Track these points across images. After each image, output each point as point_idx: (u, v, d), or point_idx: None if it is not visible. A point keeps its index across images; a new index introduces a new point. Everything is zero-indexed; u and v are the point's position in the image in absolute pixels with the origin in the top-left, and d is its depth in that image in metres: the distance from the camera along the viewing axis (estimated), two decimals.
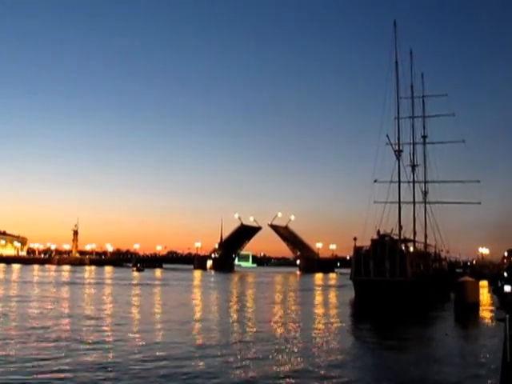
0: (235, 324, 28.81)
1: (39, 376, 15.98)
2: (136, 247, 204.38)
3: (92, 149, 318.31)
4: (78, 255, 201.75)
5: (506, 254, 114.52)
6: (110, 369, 17.03)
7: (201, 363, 18.07)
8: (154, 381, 15.86)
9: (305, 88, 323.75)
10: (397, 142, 63.19)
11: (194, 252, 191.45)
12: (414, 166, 70.08)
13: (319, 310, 41.58)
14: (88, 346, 20.74)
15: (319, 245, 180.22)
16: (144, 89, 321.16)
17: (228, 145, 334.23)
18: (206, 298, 51.67)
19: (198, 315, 33.65)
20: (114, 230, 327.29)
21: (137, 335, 23.63)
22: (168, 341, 21.98)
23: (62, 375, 16.12)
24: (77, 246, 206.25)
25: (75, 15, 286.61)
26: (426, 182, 74.84)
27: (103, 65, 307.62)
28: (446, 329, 31.11)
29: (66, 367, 17.16)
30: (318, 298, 56.24)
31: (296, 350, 21.17)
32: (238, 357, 19.08)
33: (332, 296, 60.88)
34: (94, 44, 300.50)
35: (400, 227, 61.58)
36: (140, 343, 21.64)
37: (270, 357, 19.22)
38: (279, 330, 26.78)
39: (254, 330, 26.87)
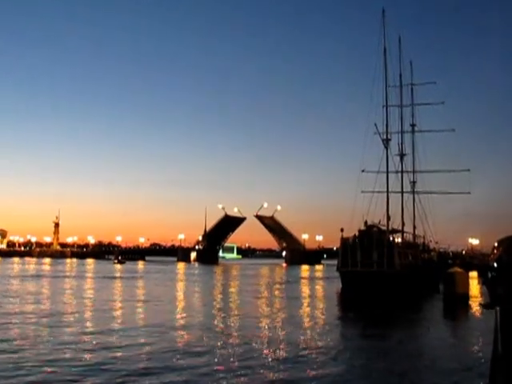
0: (217, 320, 28.30)
1: None
2: (118, 239, 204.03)
3: (73, 138, 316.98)
4: (59, 248, 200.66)
5: (496, 244, 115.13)
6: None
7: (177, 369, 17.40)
8: None
9: (291, 76, 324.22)
10: (385, 130, 63.23)
11: (177, 244, 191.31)
12: (402, 156, 69.93)
13: (305, 303, 41.38)
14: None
15: (305, 236, 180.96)
16: (125, 79, 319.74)
17: (211, 134, 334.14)
18: (187, 292, 51.21)
19: (177, 311, 33.03)
20: (96, 222, 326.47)
21: (97, 335, 22.53)
22: (139, 342, 20.94)
23: None
24: (58, 239, 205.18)
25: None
26: (414, 171, 74.88)
27: (79, 55, 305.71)
28: (432, 321, 31.03)
29: None
30: (305, 291, 56.08)
31: (282, 347, 20.74)
32: (220, 359, 18.33)
33: (318, 288, 60.87)
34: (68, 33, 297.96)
35: (388, 218, 61.71)
36: (99, 343, 20.55)
37: (255, 358, 18.60)
38: (264, 326, 26.34)
39: (238, 326, 26.40)
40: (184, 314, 30.67)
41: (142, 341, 21.12)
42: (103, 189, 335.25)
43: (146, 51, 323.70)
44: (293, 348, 20.28)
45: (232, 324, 26.86)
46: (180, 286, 60.79)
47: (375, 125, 62.10)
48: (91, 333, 22.96)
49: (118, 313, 30.30)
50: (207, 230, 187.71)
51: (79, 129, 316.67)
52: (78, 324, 25.69)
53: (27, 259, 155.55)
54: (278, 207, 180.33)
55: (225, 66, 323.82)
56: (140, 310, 33.14)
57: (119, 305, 35.76)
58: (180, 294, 48.09)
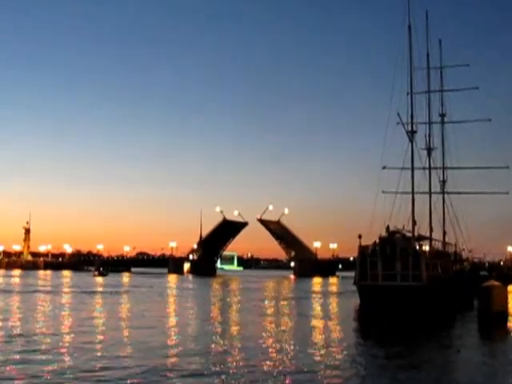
0: (215, 343, 28.42)
1: None
2: (99, 248, 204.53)
3: (46, 132, 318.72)
4: (30, 258, 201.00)
5: None
6: None
7: None
8: None
9: (302, 61, 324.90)
10: (410, 121, 63.08)
11: (168, 253, 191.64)
12: (430, 150, 69.88)
13: (317, 322, 41.45)
14: None
15: (317, 244, 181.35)
16: (109, 76, 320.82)
17: (207, 125, 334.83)
18: (180, 309, 51.37)
19: (168, 333, 33.09)
20: (73, 228, 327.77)
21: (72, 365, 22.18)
22: (122, 376, 20.22)
23: None
24: (29, 247, 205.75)
25: None
26: (444, 168, 74.96)
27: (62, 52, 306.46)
28: (464, 343, 31.11)
29: None
30: (316, 308, 56.33)
31: (291, 373, 20.90)
32: None
33: (333, 304, 61.07)
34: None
35: (413, 222, 61.53)
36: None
37: None
38: (269, 350, 26.48)
39: (239, 349, 26.50)
40: (176, 337, 30.80)
41: (127, 373, 20.54)
42: (81, 189, 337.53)
43: (141, 41, 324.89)
44: (304, 375, 20.44)
45: (233, 348, 26.95)
46: (171, 302, 60.91)
47: (398, 114, 62.00)
48: (67, 366, 22.48)
49: (97, 337, 30.33)
50: (203, 236, 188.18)
51: (52, 120, 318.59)
52: (50, 350, 25.36)
53: None
54: (286, 210, 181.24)
55: (227, 55, 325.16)
56: (124, 332, 33.24)
57: (98, 326, 35.74)
58: (171, 313, 48.20)
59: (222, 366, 21.63)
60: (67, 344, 27.01)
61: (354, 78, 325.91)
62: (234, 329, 35.58)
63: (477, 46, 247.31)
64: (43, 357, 23.15)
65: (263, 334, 32.53)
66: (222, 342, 28.82)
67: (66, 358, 22.95)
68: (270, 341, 29.24)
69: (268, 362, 22.81)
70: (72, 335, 30.42)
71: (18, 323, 35.72)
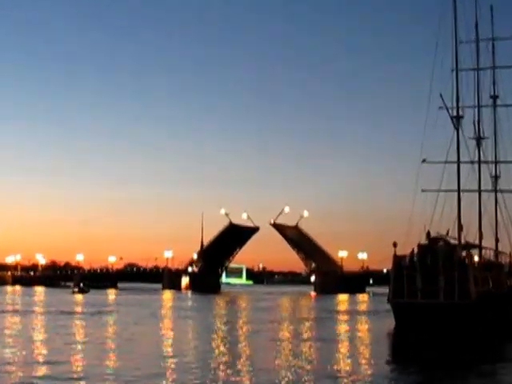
0: (220, 378, 28.13)
1: None
2: (79, 259, 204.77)
3: (17, 127, 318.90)
4: None
5: None
6: None
7: None
8: None
9: (323, 38, 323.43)
10: (455, 104, 62.99)
11: (162, 265, 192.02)
12: (479, 139, 69.48)
13: (343, 348, 41.44)
14: None
15: (343, 253, 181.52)
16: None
17: (209, 113, 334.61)
18: (177, 334, 51.16)
19: (163, 366, 32.65)
20: (47, 236, 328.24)
21: None
22: None
23: None
24: None
25: None
26: (496, 162, 74.46)
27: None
28: None
29: None
30: (342, 331, 56.36)
31: None
32: None
33: (361, 328, 61.01)
34: None
35: (460, 227, 61.50)
36: None
37: None
38: None
39: None
40: (172, 372, 30.46)
41: None
42: (58, 189, 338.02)
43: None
44: None
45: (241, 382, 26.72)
46: (166, 325, 60.79)
47: (441, 96, 62.19)
48: None
49: (73, 368, 30.09)
50: (205, 244, 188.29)
51: (26, 118, 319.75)
52: None
53: None
54: (305, 213, 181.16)
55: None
56: (107, 362, 32.99)
57: (76, 355, 35.52)
58: (165, 338, 47.99)
59: None
60: (38, 376, 26.81)
61: (386, 53, 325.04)
62: (241, 358, 35.24)
63: None
64: None
65: (276, 364, 32.24)
66: (225, 374, 28.50)
67: None
68: (284, 374, 28.91)
69: None
70: (44, 366, 30.25)
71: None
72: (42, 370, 28.76)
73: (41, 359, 33.02)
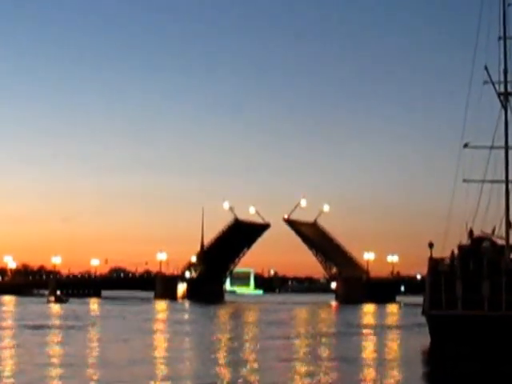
0: None
1: None
2: (56, 262, 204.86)
3: None
4: None
5: None
6: None
7: None
8: None
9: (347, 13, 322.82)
10: (503, 78, 62.90)
11: (155, 269, 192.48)
12: None
13: (368, 370, 41.45)
14: None
15: (370, 255, 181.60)
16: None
17: (211, 92, 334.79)
18: (171, 354, 51.18)
19: None
20: (18, 234, 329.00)
21: None
22: None
23: None
24: None
25: None
26: None
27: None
28: None
29: None
30: (367, 349, 56.45)
31: None
32: None
33: (391, 344, 61.14)
34: None
35: (508, 224, 61.39)
36: None
37: None
38: None
39: None
40: None
41: None
42: (32, 180, 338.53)
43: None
44: None
45: None
46: (159, 342, 60.92)
47: (486, 68, 61.96)
48: None
49: None
50: (205, 245, 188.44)
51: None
52: None
53: None
54: (326, 207, 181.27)
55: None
56: None
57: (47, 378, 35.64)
58: (159, 359, 48.05)
59: None
60: None
61: (422, 21, 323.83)
62: (250, 379, 35.26)
63: None
64: None
65: None
66: None
67: None
68: None
69: None
70: None
71: None
72: None
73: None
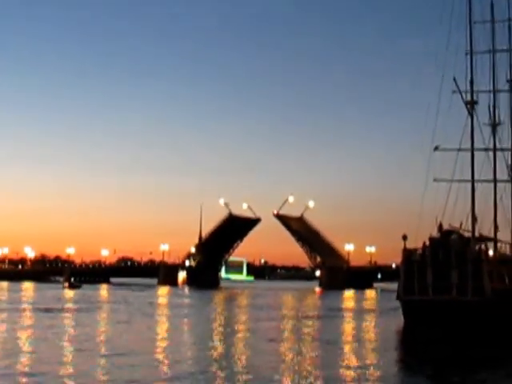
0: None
1: None
2: (70, 252, 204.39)
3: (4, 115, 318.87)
4: None
5: None
6: None
7: None
8: None
9: (330, 22, 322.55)
10: (469, 88, 62.89)
11: (158, 259, 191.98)
12: (495, 126, 69.01)
13: (348, 349, 41.29)
14: None
15: (350, 247, 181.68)
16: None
17: (209, 94, 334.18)
18: (172, 334, 50.88)
19: (156, 367, 32.31)
20: (36, 227, 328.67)
21: None
22: None
23: None
24: None
25: None
26: None
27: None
28: None
29: None
30: (348, 330, 56.59)
31: None
32: None
33: (369, 326, 61.12)
34: None
35: (474, 219, 61.46)
36: None
37: None
38: None
39: None
40: (167, 375, 30.02)
41: None
42: (47, 177, 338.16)
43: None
44: None
45: None
46: (161, 323, 60.53)
47: (454, 80, 62.23)
48: None
49: (64, 370, 29.80)
50: (203, 237, 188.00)
51: (14, 103, 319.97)
52: None
53: None
54: (311, 203, 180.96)
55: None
56: (98, 367, 32.60)
57: (63, 359, 35.21)
58: (160, 338, 47.60)
59: None
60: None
61: (395, 34, 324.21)
62: (238, 361, 34.83)
63: None
64: None
65: (274, 368, 31.65)
66: (224, 381, 28.04)
67: None
68: (283, 380, 28.43)
69: None
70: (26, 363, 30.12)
71: None
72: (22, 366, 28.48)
73: (22, 357, 32.81)
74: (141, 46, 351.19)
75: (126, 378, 27.61)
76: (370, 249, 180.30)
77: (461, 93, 62.65)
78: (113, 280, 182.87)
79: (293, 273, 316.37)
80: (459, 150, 62.74)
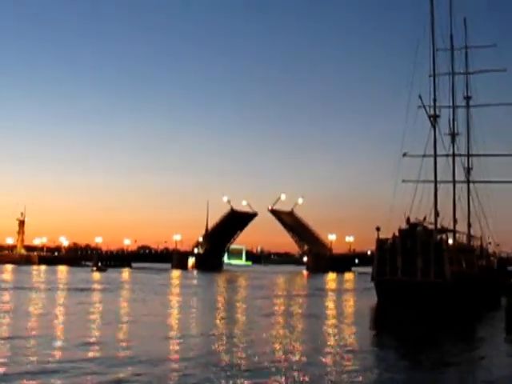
0: (219, 349, 27.70)
1: None
2: (98, 241, 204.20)
3: (41, 118, 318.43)
4: (24, 251, 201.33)
5: None
6: None
7: None
8: None
9: (317, 42, 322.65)
10: (432, 104, 63.35)
11: (171, 247, 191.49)
12: (454, 135, 69.62)
13: (330, 322, 41.19)
14: None
15: (332, 237, 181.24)
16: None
17: (214, 108, 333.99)
18: (182, 309, 50.74)
19: (168, 337, 32.20)
20: (70, 220, 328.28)
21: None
22: None
23: None
24: (23, 240, 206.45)
25: None
26: (469, 155, 74.18)
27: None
28: (491, 345, 30.78)
29: None
30: (330, 307, 56.16)
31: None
32: None
33: (348, 303, 60.90)
34: None
35: (436, 213, 61.68)
36: None
37: None
38: (276, 356, 25.84)
39: (245, 356, 25.78)
40: (177, 342, 30.08)
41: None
42: (79, 178, 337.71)
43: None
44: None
45: (237, 354, 26.28)
46: (173, 301, 60.39)
47: (420, 97, 62.42)
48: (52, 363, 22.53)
49: (91, 338, 29.91)
50: (209, 229, 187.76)
51: (49, 108, 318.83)
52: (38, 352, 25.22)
53: None
54: (300, 200, 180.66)
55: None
56: (122, 334, 32.77)
57: (92, 326, 35.42)
58: (172, 313, 47.64)
59: (226, 380, 20.77)
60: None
61: (371, 59, 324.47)
62: (237, 332, 34.82)
63: (504, 24, 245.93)
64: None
65: (268, 337, 31.79)
66: (225, 348, 28.10)
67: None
68: (275, 346, 28.55)
69: (272, 371, 22.16)
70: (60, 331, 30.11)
71: (6, 323, 35.63)
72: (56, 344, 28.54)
73: (57, 326, 32.96)
74: (145, 49, 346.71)
75: (143, 334, 27.94)
76: (349, 238, 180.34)
77: (425, 108, 62.88)
78: (134, 265, 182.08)
79: (284, 258, 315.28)
80: (424, 156, 63.03)
